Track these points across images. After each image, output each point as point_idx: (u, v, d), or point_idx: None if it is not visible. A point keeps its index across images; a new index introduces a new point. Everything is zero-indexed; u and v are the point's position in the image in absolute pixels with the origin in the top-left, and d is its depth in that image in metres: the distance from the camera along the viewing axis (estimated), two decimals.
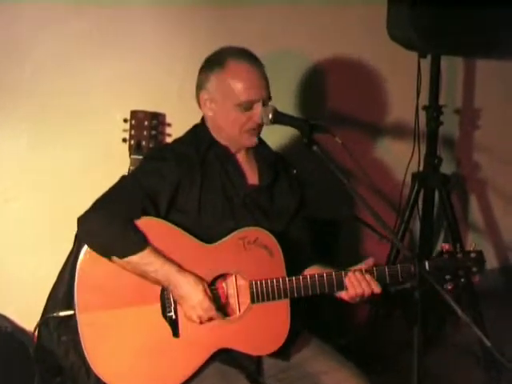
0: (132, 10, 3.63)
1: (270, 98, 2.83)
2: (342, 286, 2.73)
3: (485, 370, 3.93)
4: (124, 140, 3.41)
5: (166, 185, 2.73)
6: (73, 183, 3.58)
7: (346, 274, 2.73)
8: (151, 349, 2.65)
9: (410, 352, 2.58)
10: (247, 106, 2.78)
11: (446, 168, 4.28)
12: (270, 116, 2.75)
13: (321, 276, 2.72)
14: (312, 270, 2.84)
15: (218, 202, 2.79)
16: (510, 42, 3.89)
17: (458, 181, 4.80)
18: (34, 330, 3.32)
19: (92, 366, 2.64)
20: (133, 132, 3.41)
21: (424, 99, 4.02)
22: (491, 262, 5.01)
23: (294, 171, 3.05)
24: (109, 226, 2.62)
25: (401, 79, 4.32)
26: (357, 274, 2.73)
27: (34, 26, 3.47)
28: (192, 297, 2.60)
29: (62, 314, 3.23)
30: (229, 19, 3.85)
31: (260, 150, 2.95)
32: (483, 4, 3.66)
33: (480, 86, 4.75)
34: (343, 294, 2.76)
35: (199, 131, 2.92)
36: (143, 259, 2.59)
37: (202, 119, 2.94)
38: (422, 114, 4.03)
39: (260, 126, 2.83)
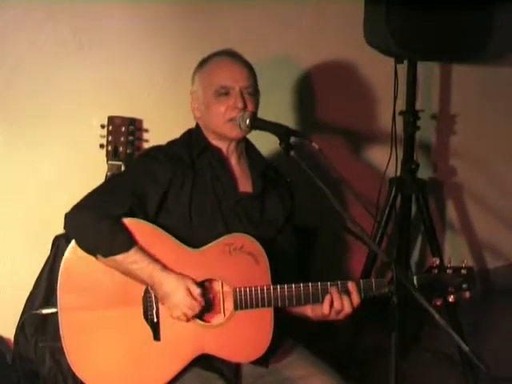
0: (110, 14, 3.61)
1: (252, 89, 2.87)
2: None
3: (462, 374, 3.94)
4: (101, 146, 3.41)
5: (157, 185, 2.74)
6: (49, 189, 3.56)
7: (331, 285, 2.74)
8: (132, 351, 2.65)
9: (387, 357, 2.58)
10: (223, 92, 2.82)
11: (423, 173, 4.30)
12: (248, 121, 2.78)
13: (306, 286, 2.72)
14: None
15: (208, 206, 2.80)
16: (485, 47, 3.91)
17: (435, 186, 4.82)
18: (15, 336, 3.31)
19: (71, 366, 2.65)
20: (110, 138, 3.40)
21: (401, 104, 4.04)
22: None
23: (288, 180, 3.06)
24: (96, 223, 2.62)
25: (378, 84, 4.33)
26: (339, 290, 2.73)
27: (10, 29, 3.45)
28: (176, 294, 2.60)
29: (45, 311, 3.22)
30: (206, 24, 3.84)
31: (253, 158, 2.98)
32: (459, 9, 3.69)
33: (456, 91, 4.78)
34: (318, 310, 2.76)
35: (194, 134, 2.95)
36: (128, 258, 2.59)
37: (197, 123, 2.97)
38: (399, 120, 4.05)
39: (240, 114, 2.82)
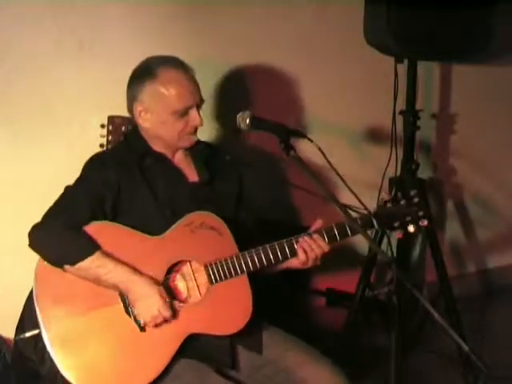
0: (110, 14, 3.61)
1: (202, 100, 2.90)
2: (294, 253, 2.80)
3: (462, 374, 3.94)
4: (101, 146, 3.40)
5: (108, 188, 2.78)
6: (50, 189, 3.55)
7: (296, 241, 2.80)
8: (122, 347, 2.67)
9: (387, 357, 2.59)
10: (183, 113, 2.84)
11: (423, 173, 4.30)
12: (248, 122, 2.79)
13: (272, 245, 2.78)
14: None
15: (161, 202, 2.83)
16: (486, 47, 3.90)
17: (435, 185, 4.81)
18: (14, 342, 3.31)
19: (68, 378, 2.67)
20: (110, 137, 3.39)
21: (401, 104, 4.03)
22: (468, 266, 5.05)
23: (227, 157, 3.10)
24: (57, 234, 2.68)
25: (378, 84, 4.33)
26: (306, 237, 2.80)
27: (11, 29, 3.45)
28: (148, 297, 2.63)
29: (28, 334, 3.22)
30: (207, 24, 3.84)
31: (195, 148, 2.99)
32: (459, 9, 3.68)
33: (456, 90, 4.78)
34: (294, 261, 2.84)
35: (132, 139, 2.98)
36: (94, 262, 2.62)
37: (134, 128, 2.99)
38: (399, 119, 4.04)
39: (197, 127, 2.88)
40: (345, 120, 4.35)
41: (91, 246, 2.64)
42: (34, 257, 3.32)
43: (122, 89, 3.62)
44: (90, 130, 3.47)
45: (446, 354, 4.07)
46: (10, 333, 3.39)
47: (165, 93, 2.83)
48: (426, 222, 2.90)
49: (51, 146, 3.55)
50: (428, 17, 3.67)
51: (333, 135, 4.27)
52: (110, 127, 3.40)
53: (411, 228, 2.89)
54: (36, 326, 2.73)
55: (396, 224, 2.88)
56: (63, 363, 2.67)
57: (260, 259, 2.76)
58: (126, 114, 3.41)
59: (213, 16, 3.84)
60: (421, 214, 2.89)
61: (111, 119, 3.41)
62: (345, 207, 2.66)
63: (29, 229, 3.50)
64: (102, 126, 3.40)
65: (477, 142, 4.88)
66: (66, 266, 2.64)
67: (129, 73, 3.66)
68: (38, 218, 3.47)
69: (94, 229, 2.69)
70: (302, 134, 2.76)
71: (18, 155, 3.52)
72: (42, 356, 3.25)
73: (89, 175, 2.86)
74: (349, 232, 2.85)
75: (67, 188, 2.89)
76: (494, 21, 3.84)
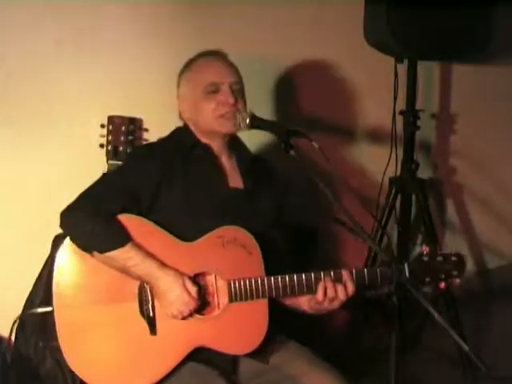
0: (111, 14, 3.61)
1: (238, 84, 2.89)
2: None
3: (462, 374, 3.94)
4: (101, 145, 3.40)
5: (149, 182, 2.75)
6: (49, 189, 3.56)
7: (325, 274, 2.73)
8: (129, 346, 2.65)
9: (387, 358, 2.58)
10: (213, 89, 2.84)
11: (423, 173, 4.30)
12: (248, 121, 2.78)
13: (299, 276, 2.72)
14: None
15: (200, 201, 2.80)
16: (486, 47, 3.91)
17: (435, 185, 4.82)
18: (10, 334, 3.31)
19: (69, 364, 2.65)
20: (110, 137, 3.40)
21: (401, 104, 4.04)
22: (468, 265, 5.03)
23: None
24: (91, 220, 2.62)
25: (378, 84, 4.33)
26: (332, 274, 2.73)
27: (11, 29, 3.45)
28: (172, 291, 2.61)
29: (40, 310, 3.23)
30: (207, 24, 3.84)
31: (241, 154, 2.99)
32: (459, 9, 3.69)
33: (456, 90, 4.78)
34: (312, 300, 2.76)
35: (182, 132, 2.96)
36: (123, 254, 2.60)
37: (185, 123, 2.98)
38: (399, 119, 4.05)
39: (232, 110, 2.84)
40: (345, 120, 4.35)
41: (123, 237, 2.62)
42: (34, 257, 3.33)
43: (122, 89, 3.64)
44: (90, 130, 3.47)
45: (445, 354, 4.08)
46: (9, 332, 3.39)
47: (196, 75, 2.88)
48: (458, 281, 2.85)
49: (51, 145, 3.55)
50: (428, 17, 3.68)
51: (333, 135, 4.27)
52: (110, 127, 3.40)
53: (441, 285, 2.85)
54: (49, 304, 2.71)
55: (427, 279, 2.82)
56: (67, 348, 2.64)
57: (284, 288, 2.71)
58: (125, 114, 3.43)
59: (213, 16, 3.84)
60: (455, 273, 2.84)
61: (111, 119, 3.41)
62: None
63: (28, 229, 3.53)
64: (102, 126, 3.41)
65: (477, 142, 4.88)
66: (95, 253, 2.63)
67: (129, 73, 3.68)
68: (37, 218, 3.49)
69: (127, 221, 2.66)
70: (301, 134, 2.75)
71: (18, 155, 3.52)
72: (42, 356, 3.26)
73: (129, 167, 2.85)
74: (378, 279, 2.76)
75: (105, 174, 2.88)
76: (494, 21, 3.84)
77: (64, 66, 3.54)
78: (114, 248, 2.60)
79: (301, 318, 2.91)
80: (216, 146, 2.91)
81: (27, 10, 3.44)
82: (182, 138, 2.94)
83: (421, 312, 2.57)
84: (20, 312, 3.34)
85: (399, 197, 4.05)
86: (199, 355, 2.70)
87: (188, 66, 2.95)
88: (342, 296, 2.72)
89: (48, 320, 3.24)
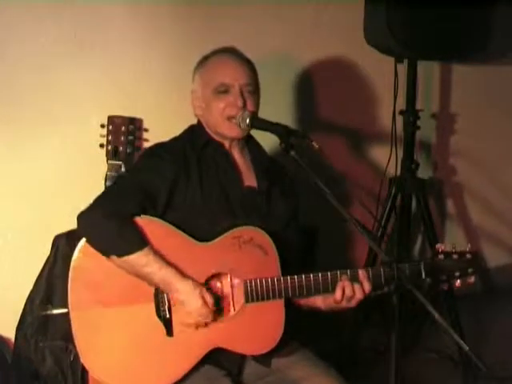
0: (111, 14, 3.62)
1: (250, 86, 2.87)
2: (335, 288, 2.72)
3: (462, 374, 3.94)
4: (101, 145, 3.40)
5: (164, 182, 2.73)
6: (50, 189, 3.57)
7: (341, 273, 2.73)
8: (145, 348, 2.65)
9: (387, 357, 2.58)
10: (223, 90, 2.82)
11: (423, 172, 4.30)
12: (248, 121, 2.78)
13: (315, 276, 2.72)
14: None
15: (215, 200, 2.80)
16: (486, 47, 3.91)
17: (435, 185, 4.82)
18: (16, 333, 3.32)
19: (85, 364, 2.64)
20: (110, 137, 3.39)
21: (401, 104, 4.04)
22: None
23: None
24: (108, 223, 2.61)
25: (378, 84, 4.33)
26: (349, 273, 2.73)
27: (11, 29, 3.45)
28: (190, 303, 2.60)
29: (56, 311, 3.23)
30: (206, 24, 3.84)
31: (255, 153, 2.98)
32: (459, 9, 3.69)
33: (456, 90, 4.78)
34: (328, 298, 2.76)
35: (195, 129, 2.96)
36: (141, 259, 2.59)
37: (199, 120, 2.97)
38: (399, 119, 4.04)
39: (240, 113, 2.82)
40: (345, 120, 4.35)
41: (141, 242, 2.60)
42: (34, 257, 3.34)
43: (121, 89, 3.65)
44: (90, 130, 3.47)
45: (445, 354, 4.07)
46: (10, 333, 3.39)
47: (209, 72, 2.87)
48: (472, 279, 2.85)
49: (51, 146, 3.55)
50: (428, 17, 3.67)
51: (333, 135, 4.27)
52: (110, 127, 3.40)
53: (457, 283, 2.86)
54: (65, 305, 2.69)
55: (443, 278, 2.82)
56: (84, 349, 2.63)
57: (300, 288, 2.71)
58: (126, 114, 3.43)
59: (212, 16, 3.85)
60: (470, 270, 2.83)
61: (111, 119, 3.41)
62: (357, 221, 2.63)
63: (28, 229, 3.53)
64: (102, 126, 3.41)
65: (477, 141, 4.87)
66: (113, 257, 2.61)
67: (129, 73, 3.68)
68: (37, 218, 3.49)
69: (144, 223, 2.65)
70: (302, 134, 2.74)
71: (18, 155, 3.52)
72: (42, 356, 3.26)
73: (143, 167, 2.83)
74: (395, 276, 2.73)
75: (121, 176, 2.88)
76: (493, 21, 3.84)
77: (64, 66, 3.54)
78: (131, 253, 2.58)
79: (301, 318, 2.90)
80: (228, 144, 2.91)
81: (27, 10, 3.45)
82: (195, 136, 2.93)
83: (421, 312, 2.57)
84: (20, 313, 3.34)
85: (399, 197, 4.05)
86: (208, 357, 2.69)
87: (202, 62, 2.93)
88: (359, 295, 2.72)
89: (49, 321, 3.25)
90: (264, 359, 2.76)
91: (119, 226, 2.60)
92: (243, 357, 2.77)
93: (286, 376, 2.77)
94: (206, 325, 2.65)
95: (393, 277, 2.73)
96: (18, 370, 3.35)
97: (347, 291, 2.71)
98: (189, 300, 2.60)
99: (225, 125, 2.84)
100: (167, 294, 2.65)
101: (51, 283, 3.28)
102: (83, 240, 2.64)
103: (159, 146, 2.93)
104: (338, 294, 2.71)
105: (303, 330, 2.98)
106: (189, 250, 2.68)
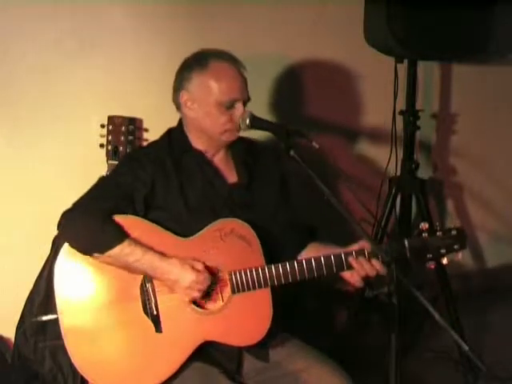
0: (111, 14, 3.62)
1: (249, 98, 2.87)
2: (321, 272, 2.75)
3: (462, 374, 3.94)
4: (101, 145, 3.41)
5: (140, 185, 2.76)
6: (50, 188, 3.57)
7: (326, 259, 2.76)
8: (136, 346, 2.67)
9: (387, 357, 2.58)
10: (229, 105, 2.81)
11: (423, 172, 4.30)
12: (248, 121, 2.78)
13: (299, 263, 2.74)
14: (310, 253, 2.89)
15: (198, 202, 2.81)
16: (486, 47, 3.91)
17: (435, 185, 4.81)
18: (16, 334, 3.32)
19: (77, 368, 2.66)
20: (110, 137, 3.40)
21: (401, 104, 4.03)
22: (468, 265, 5.04)
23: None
24: (88, 222, 2.65)
25: (378, 84, 4.33)
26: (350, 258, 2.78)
27: (11, 29, 3.45)
28: (184, 278, 2.63)
29: (45, 318, 3.23)
30: (206, 24, 3.84)
31: (234, 147, 2.97)
32: (459, 9, 3.68)
33: (456, 90, 4.77)
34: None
35: (174, 135, 2.95)
36: (123, 250, 2.62)
37: (179, 123, 2.96)
38: (399, 119, 4.04)
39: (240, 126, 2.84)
40: (345, 120, 4.35)
41: (120, 234, 2.63)
42: (34, 257, 3.33)
43: (122, 89, 3.64)
44: (90, 130, 3.47)
45: (445, 354, 4.07)
46: (10, 333, 3.39)
47: (213, 84, 2.81)
48: (460, 256, 2.85)
49: (51, 145, 3.56)
50: (428, 17, 3.67)
51: (333, 135, 4.27)
52: (110, 127, 3.41)
53: (444, 260, 2.85)
54: (54, 311, 2.72)
55: (429, 256, 2.82)
56: (74, 352, 2.66)
57: (285, 275, 2.72)
58: (125, 114, 3.43)
59: (212, 16, 3.85)
60: (456, 247, 2.85)
61: (111, 119, 3.41)
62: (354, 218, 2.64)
63: (28, 229, 3.53)
64: (102, 126, 3.41)
65: (477, 141, 4.87)
66: (96, 254, 2.64)
67: (129, 73, 3.68)
68: (37, 218, 3.49)
69: (126, 221, 2.68)
70: (302, 134, 2.75)
71: (18, 155, 3.52)
72: (42, 356, 3.26)
73: (122, 170, 2.85)
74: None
75: (101, 178, 2.93)
76: (493, 21, 3.84)
77: (64, 66, 3.54)
78: (113, 245, 2.61)
79: (301, 317, 2.91)
80: (213, 148, 2.91)
81: (27, 10, 3.45)
82: (173, 143, 2.92)
83: (421, 312, 2.56)
84: (20, 313, 3.34)
85: (399, 197, 4.05)
86: (204, 355, 2.71)
87: (201, 64, 2.85)
88: (379, 267, 2.77)
89: (48, 321, 3.25)
90: (261, 354, 2.79)
91: (98, 223, 2.64)
92: (240, 353, 2.78)
93: (285, 369, 2.78)
94: (193, 321, 2.67)
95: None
96: (17, 370, 3.35)
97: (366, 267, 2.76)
98: (182, 276, 2.63)
99: (223, 135, 2.86)
100: (152, 290, 2.68)
101: (51, 283, 3.27)
102: (65, 245, 2.68)
103: (137, 152, 3.00)
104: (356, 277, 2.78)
105: (302, 330, 2.98)
106: (172, 246, 2.71)
